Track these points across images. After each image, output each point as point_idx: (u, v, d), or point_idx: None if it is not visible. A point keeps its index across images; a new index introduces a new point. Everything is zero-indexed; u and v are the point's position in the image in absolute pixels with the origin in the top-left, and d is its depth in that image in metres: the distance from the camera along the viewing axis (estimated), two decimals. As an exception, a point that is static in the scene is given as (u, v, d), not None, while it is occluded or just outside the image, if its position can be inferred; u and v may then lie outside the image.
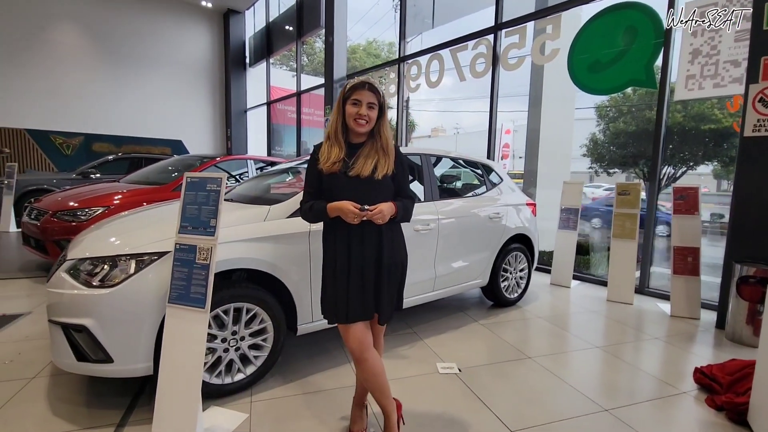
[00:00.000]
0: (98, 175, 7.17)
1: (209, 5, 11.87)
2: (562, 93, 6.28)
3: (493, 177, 3.69)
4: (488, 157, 5.69)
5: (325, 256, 1.69)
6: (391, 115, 7.54)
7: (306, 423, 1.90)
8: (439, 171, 3.63)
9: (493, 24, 5.45)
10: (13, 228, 6.78)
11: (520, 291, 3.75)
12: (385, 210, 1.57)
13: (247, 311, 2.10)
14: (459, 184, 3.79)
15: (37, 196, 6.03)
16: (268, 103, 11.50)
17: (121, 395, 2.07)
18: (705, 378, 2.32)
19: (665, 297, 3.91)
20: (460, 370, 2.45)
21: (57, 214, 4.06)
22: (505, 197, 3.62)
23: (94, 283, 1.85)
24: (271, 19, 11.19)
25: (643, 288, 4.17)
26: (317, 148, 1.70)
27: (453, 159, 3.55)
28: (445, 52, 6.18)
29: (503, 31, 5.35)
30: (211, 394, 2.03)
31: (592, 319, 3.49)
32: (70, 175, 7.42)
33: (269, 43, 11.21)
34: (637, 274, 4.15)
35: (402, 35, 6.98)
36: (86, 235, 2.28)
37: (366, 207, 1.54)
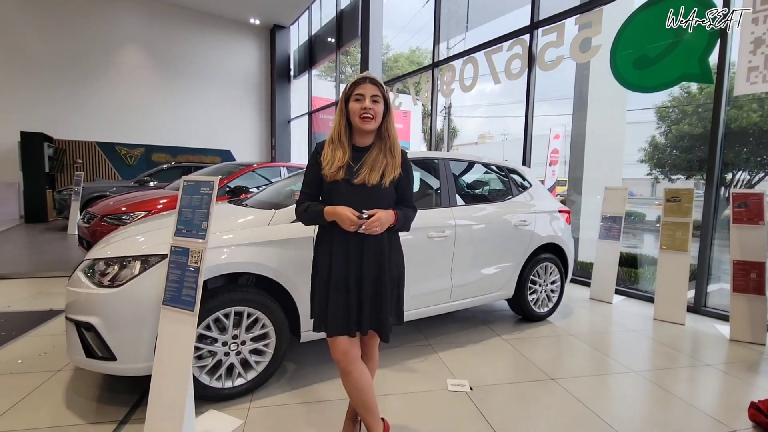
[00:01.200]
0: (154, 182, 7.75)
1: (257, 22, 12.52)
2: (610, 94, 5.85)
3: (520, 182, 3.47)
4: (523, 164, 5.40)
5: (318, 261, 1.62)
6: (428, 122, 7.43)
7: (298, 434, 1.84)
8: (460, 177, 3.48)
9: (529, 23, 5.20)
10: (77, 231, 7.46)
11: (551, 305, 3.47)
12: (383, 218, 1.48)
13: (248, 315, 2.10)
14: (482, 189, 3.60)
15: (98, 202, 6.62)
16: (310, 113, 11.84)
17: (130, 392, 2.14)
18: (761, 414, 1.97)
19: (726, 318, 3.44)
20: (471, 389, 2.28)
21: (104, 218, 4.39)
22: (534, 204, 3.38)
23: (105, 283, 1.93)
24: (313, 32, 11.57)
25: (699, 307, 3.71)
26: (319, 148, 1.61)
27: (475, 163, 3.38)
28: (479, 55, 6.00)
29: (540, 29, 5.09)
30: (211, 398, 2.04)
31: (632, 339, 3.14)
32: (128, 182, 8.07)
33: (311, 55, 11.59)
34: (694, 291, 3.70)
35: (436, 40, 6.88)
36: (110, 238, 2.41)
37: (364, 214, 1.46)
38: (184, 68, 11.86)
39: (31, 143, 8.90)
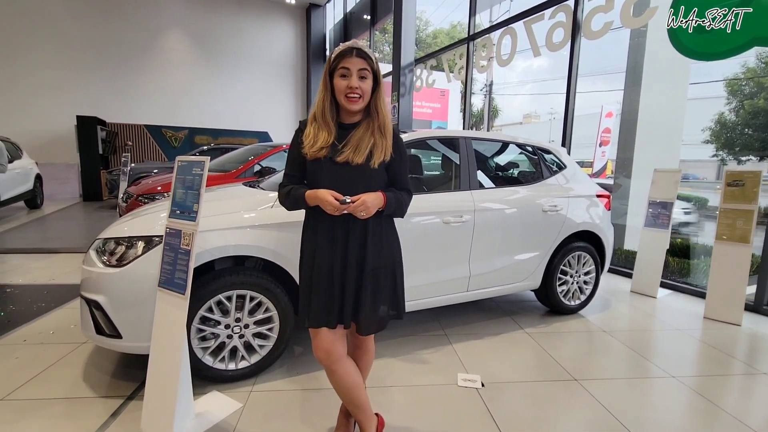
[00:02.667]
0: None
1: (293, 2, 12.43)
2: (670, 66, 5.24)
3: (553, 163, 3.17)
4: (563, 144, 4.99)
5: (303, 249, 1.52)
6: (463, 100, 7.07)
7: (294, 424, 1.79)
8: (485, 158, 3.23)
9: (575, -14, 4.70)
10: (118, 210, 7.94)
11: (583, 298, 3.19)
12: (368, 201, 1.34)
13: (252, 299, 2.06)
14: (509, 171, 3.33)
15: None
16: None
17: (143, 368, 2.20)
18: (829, 441, 1.67)
19: (793, 320, 3.01)
20: (483, 385, 2.13)
21: (139, 197, 4.58)
22: (568, 187, 3.09)
23: (112, 263, 1.96)
24: (348, 10, 11.33)
25: (759, 306, 3.27)
26: (302, 126, 1.48)
27: (502, 143, 3.12)
28: (518, 26, 5.54)
29: (587, -7, 4.58)
30: (215, 379, 2.05)
31: (675, 339, 2.82)
32: (171, 163, 8.44)
33: (346, 33, 11.38)
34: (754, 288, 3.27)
35: (472, 11, 6.44)
36: (124, 218, 2.46)
37: (347, 199, 1.33)
38: (223, 51, 12.10)
39: (86, 127, 9.51)
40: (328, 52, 12.84)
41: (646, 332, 2.93)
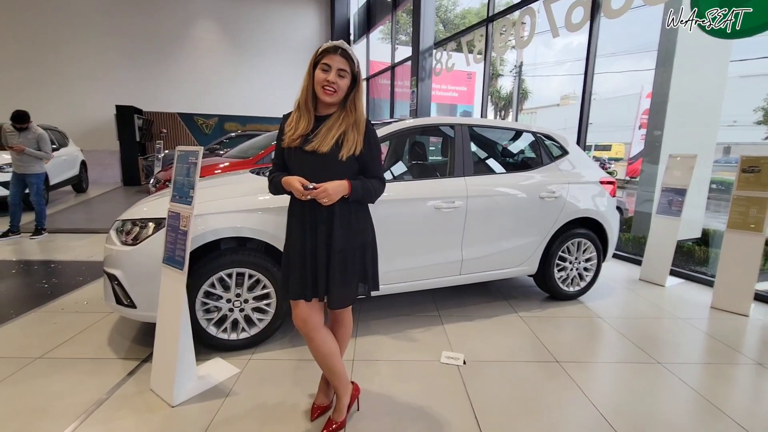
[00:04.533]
0: (222, 150, 8.41)
1: (318, -13, 12.46)
2: (705, 43, 4.92)
3: (553, 149, 3.15)
4: (579, 132, 4.86)
5: (287, 231, 1.67)
6: (495, 84, 6.95)
7: (285, 389, 1.99)
8: (482, 144, 3.25)
9: (594, -38, 4.49)
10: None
11: (583, 285, 3.20)
12: (330, 189, 1.45)
13: (250, 277, 2.26)
14: (506, 158, 3.33)
15: (173, 168, 7.43)
16: (367, 78, 11.73)
17: (158, 336, 2.47)
18: (800, 429, 1.66)
19: (807, 312, 2.89)
20: (464, 363, 2.24)
21: (167, 183, 4.92)
22: (569, 173, 3.07)
23: (128, 242, 2.20)
24: (371, -7, 11.24)
25: (774, 297, 3.15)
26: (286, 117, 1.62)
27: (499, 129, 3.13)
28: (538, 4, 5.37)
29: (608, -31, 4.37)
30: (218, 347, 2.28)
31: (676, 328, 2.79)
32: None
33: (369, 17, 11.33)
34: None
35: (492, -9, 6.28)
36: (143, 201, 2.71)
37: (311, 186, 1.46)
38: (251, 40, 12.37)
39: (124, 115, 10.12)
40: (351, 37, 12.84)
41: (644, 320, 2.91)
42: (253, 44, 12.43)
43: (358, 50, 12.66)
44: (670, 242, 3.56)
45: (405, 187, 2.58)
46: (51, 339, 2.43)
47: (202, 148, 1.83)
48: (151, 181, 5.59)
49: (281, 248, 2.25)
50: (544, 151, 3.09)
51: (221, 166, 5.11)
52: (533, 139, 3.13)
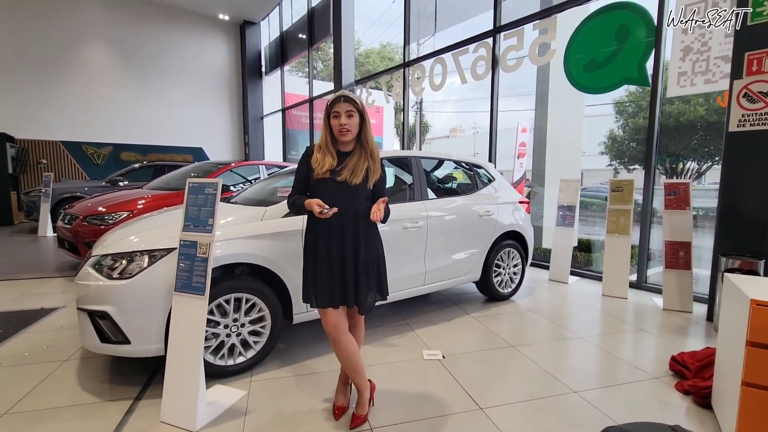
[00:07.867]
0: (126, 182, 7.69)
1: (226, 18, 12.40)
2: (568, 91, 6.35)
3: (484, 176, 3.85)
4: (489, 159, 5.83)
5: (307, 244, 1.91)
6: (400, 117, 7.75)
7: (297, 399, 2.14)
8: (431, 172, 3.82)
9: (492, 27, 5.59)
10: (50, 232, 7.34)
11: (513, 286, 3.89)
12: (382, 207, 1.77)
13: (247, 301, 2.36)
14: (449, 184, 3.97)
15: (70, 203, 6.55)
16: (283, 110, 11.91)
17: (139, 374, 2.37)
18: (677, 365, 2.42)
19: (661, 291, 3.96)
20: (444, 357, 2.64)
21: (87, 219, 4.46)
22: (497, 196, 3.78)
23: (114, 276, 2.15)
24: (284, 29, 11.61)
25: (640, 283, 4.23)
26: (309, 152, 1.91)
27: (444, 160, 3.73)
28: (447, 56, 6.36)
29: (502, 33, 5.49)
30: (216, 374, 2.30)
31: (582, 312, 3.60)
32: (100, 182, 7.97)
33: (283, 51, 11.63)
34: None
35: (406, 40, 7.19)
36: (109, 236, 2.60)
37: (326, 209, 1.73)
38: (152, 65, 11.62)
39: (-7, 143, 8.60)
40: (263, 69, 12.94)
41: (561, 309, 3.68)
42: (156, 70, 11.68)
43: (271, 82, 12.81)
44: (569, 248, 4.52)
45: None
46: (6, 395, 2.15)
47: (221, 180, 1.97)
48: (58, 219, 4.95)
49: (275, 270, 2.44)
50: (478, 178, 3.77)
51: (143, 198, 4.82)
52: (469, 168, 3.79)
